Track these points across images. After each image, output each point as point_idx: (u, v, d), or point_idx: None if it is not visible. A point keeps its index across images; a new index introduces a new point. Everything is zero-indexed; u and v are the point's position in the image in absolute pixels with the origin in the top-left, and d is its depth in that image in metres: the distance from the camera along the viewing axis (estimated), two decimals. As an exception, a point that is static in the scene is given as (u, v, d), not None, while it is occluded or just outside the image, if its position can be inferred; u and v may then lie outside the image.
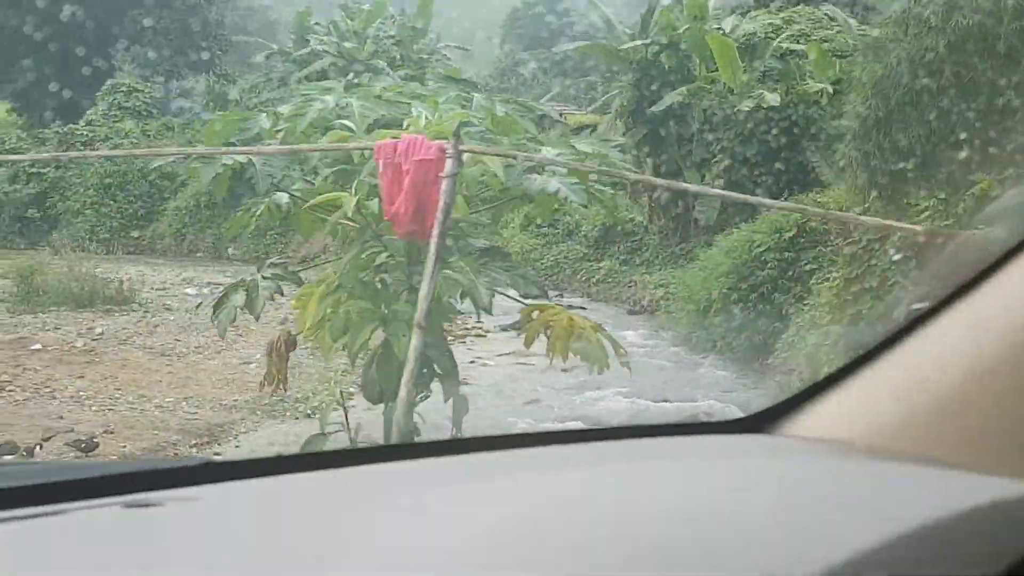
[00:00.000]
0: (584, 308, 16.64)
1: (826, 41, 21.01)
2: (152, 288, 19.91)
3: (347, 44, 34.98)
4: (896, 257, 12.74)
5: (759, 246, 16.63)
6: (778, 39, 21.69)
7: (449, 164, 7.73)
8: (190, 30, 39.72)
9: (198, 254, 30.90)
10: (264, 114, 9.21)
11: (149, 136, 33.76)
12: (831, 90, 19.60)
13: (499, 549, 1.20)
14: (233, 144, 9.02)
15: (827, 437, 1.63)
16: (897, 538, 1.20)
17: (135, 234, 31.75)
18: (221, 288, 9.96)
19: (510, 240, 22.28)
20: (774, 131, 19.87)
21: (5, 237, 31.40)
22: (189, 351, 15.91)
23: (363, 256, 8.45)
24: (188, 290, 20.30)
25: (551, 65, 54.36)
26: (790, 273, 16.30)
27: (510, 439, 1.72)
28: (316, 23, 37.02)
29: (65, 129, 33.80)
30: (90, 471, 1.41)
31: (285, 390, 9.11)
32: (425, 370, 8.24)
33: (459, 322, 13.98)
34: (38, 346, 15.69)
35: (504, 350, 14.91)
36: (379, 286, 8.54)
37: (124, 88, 34.63)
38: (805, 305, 15.03)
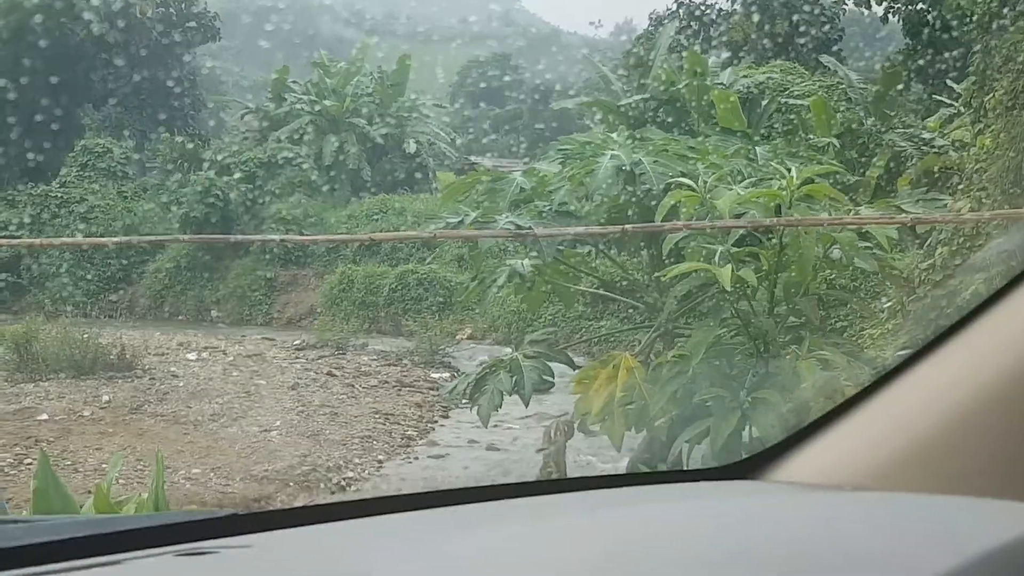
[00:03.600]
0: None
1: (827, 94, 21.05)
2: (152, 353, 19.23)
3: (327, 102, 34.72)
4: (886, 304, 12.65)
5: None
6: (779, 92, 21.70)
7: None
8: (161, 88, 39.15)
9: (179, 317, 30.14)
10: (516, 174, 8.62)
11: (126, 198, 33.10)
12: (837, 144, 19.58)
13: None
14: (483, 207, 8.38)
15: (813, 481, 1.66)
16: None
17: (112, 297, 30.94)
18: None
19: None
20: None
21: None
22: (204, 419, 15.30)
23: (722, 335, 7.62)
24: (188, 355, 19.65)
25: (501, 122, 54.93)
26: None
27: (505, 489, 1.73)
28: (293, 81, 36.79)
29: (38, 191, 32.99)
30: (142, 521, 1.40)
31: None
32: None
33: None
34: (45, 416, 15.03)
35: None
36: (731, 370, 7.51)
37: (98, 148, 33.88)
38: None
